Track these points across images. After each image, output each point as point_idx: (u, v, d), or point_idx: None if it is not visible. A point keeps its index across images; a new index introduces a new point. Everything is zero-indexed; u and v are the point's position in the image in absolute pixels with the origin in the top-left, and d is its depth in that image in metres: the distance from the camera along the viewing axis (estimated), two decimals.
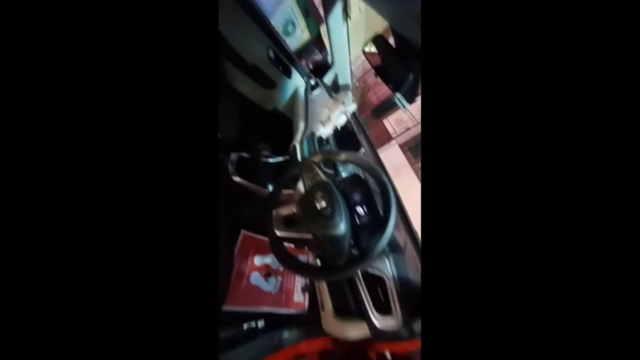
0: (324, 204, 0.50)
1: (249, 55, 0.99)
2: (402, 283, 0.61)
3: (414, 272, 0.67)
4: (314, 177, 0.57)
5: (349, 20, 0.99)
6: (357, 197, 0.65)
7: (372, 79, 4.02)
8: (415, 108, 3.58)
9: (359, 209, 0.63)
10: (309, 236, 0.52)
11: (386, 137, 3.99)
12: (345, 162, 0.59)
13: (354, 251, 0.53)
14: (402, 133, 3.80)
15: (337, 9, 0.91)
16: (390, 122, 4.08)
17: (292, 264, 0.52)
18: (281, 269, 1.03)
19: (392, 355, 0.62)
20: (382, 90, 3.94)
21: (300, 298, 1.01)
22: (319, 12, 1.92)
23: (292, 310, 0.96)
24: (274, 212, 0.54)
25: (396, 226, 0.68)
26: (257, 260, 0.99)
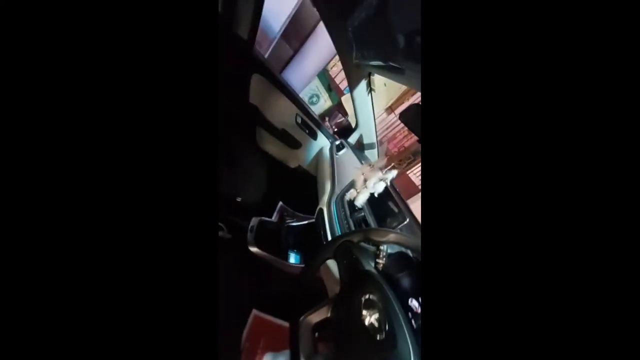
0: (375, 322, 0.32)
1: (278, 121, 1.05)
2: None
3: None
4: (354, 266, 0.41)
5: (372, 92, 1.04)
6: (407, 283, 0.48)
7: (391, 132, 4.17)
8: None
9: (414, 304, 0.44)
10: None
11: (413, 190, 3.81)
12: (391, 244, 0.45)
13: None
14: None
15: (362, 84, 0.96)
16: (414, 173, 3.96)
17: None
18: None
19: None
20: (401, 141, 4.02)
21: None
22: (339, 87, 2.19)
23: None
24: (300, 319, 0.38)
25: None
26: (268, 359, 0.77)
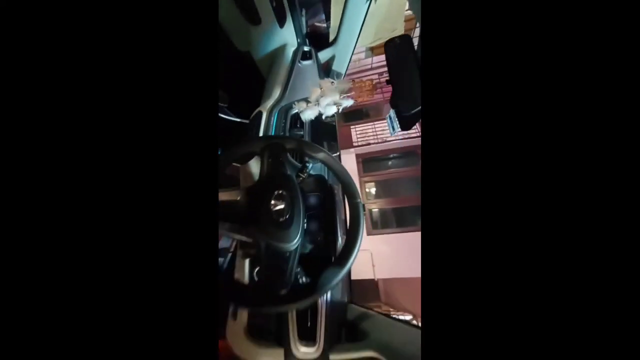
0: (281, 207, 0.37)
1: None
2: (332, 309, 0.54)
3: (343, 295, 0.62)
4: (277, 167, 0.42)
5: (373, 2, 0.85)
6: (315, 204, 0.54)
7: (358, 81, 4.00)
8: (380, 129, 3.80)
9: (314, 224, 0.52)
10: (247, 239, 0.37)
11: (348, 143, 4.09)
12: (319, 162, 0.46)
13: (301, 279, 0.41)
14: (362, 145, 3.97)
15: None
16: (356, 131, 4.20)
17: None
18: None
19: None
20: (362, 94, 3.98)
21: None
22: None
23: None
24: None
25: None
26: None
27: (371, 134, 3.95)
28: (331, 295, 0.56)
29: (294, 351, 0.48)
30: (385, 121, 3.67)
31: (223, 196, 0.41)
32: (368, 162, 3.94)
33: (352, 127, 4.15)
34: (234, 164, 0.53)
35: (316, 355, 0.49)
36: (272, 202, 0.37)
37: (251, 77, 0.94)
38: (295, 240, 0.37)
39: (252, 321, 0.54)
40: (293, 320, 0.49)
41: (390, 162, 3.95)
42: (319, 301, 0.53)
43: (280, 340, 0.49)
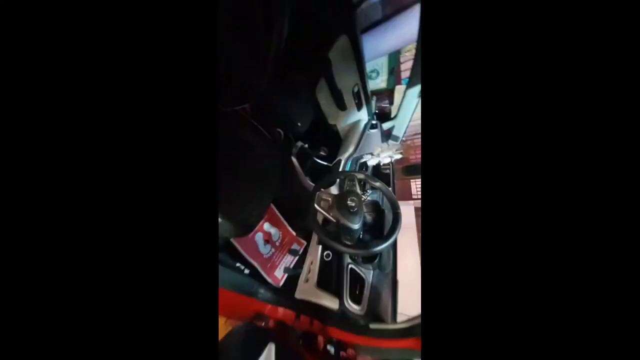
0: (353, 204, 0.71)
1: (340, 81, 1.29)
2: (374, 292, 0.78)
3: (385, 292, 0.84)
4: (352, 186, 0.78)
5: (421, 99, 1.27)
6: (369, 217, 0.85)
7: (418, 141, 4.36)
8: None
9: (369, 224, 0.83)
10: (332, 219, 0.72)
11: (407, 195, 4.14)
12: (376, 189, 0.81)
13: (362, 239, 0.72)
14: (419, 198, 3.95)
15: (417, 87, 1.19)
16: (416, 184, 4.25)
17: (318, 228, 0.72)
18: (278, 244, 1.22)
19: (338, 342, 0.76)
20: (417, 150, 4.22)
21: (279, 275, 1.18)
22: (400, 75, 2.26)
23: (269, 280, 1.12)
24: (317, 194, 0.76)
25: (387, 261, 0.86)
26: (266, 226, 1.19)
27: None
28: (375, 282, 0.80)
29: (346, 304, 0.72)
30: None
31: (324, 196, 0.76)
32: None
33: (412, 180, 4.27)
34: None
35: (359, 314, 0.71)
36: (347, 201, 0.71)
37: (335, 140, 1.45)
38: (357, 223, 0.69)
39: (320, 280, 0.84)
40: (347, 285, 0.75)
41: None
42: (367, 281, 0.77)
43: (338, 293, 0.76)
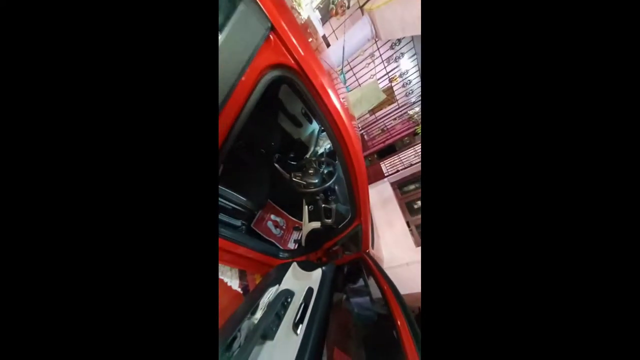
0: (311, 171, 1.28)
1: (291, 108, 1.92)
2: (338, 211, 1.35)
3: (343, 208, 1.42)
4: (309, 164, 1.36)
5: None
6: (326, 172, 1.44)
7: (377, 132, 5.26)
8: (404, 157, 4.53)
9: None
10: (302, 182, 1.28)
11: (381, 176, 4.88)
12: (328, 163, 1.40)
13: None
14: (393, 173, 4.68)
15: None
16: (385, 165, 5.03)
17: (298, 187, 1.28)
18: (284, 227, 1.76)
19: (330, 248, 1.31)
20: (383, 140, 5.02)
21: (291, 246, 1.71)
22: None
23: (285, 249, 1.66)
24: (293, 177, 1.33)
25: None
26: (272, 216, 1.75)
27: (398, 163, 4.67)
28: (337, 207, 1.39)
29: (325, 221, 1.29)
30: (408, 150, 4.45)
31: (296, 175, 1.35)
32: (401, 186, 4.52)
33: (381, 163, 5.02)
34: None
35: (331, 223, 1.28)
36: (309, 170, 1.30)
37: (301, 147, 2.07)
38: (317, 179, 1.27)
39: (310, 218, 1.41)
40: (322, 212, 1.33)
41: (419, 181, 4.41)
42: (332, 208, 1.36)
43: (319, 219, 1.32)
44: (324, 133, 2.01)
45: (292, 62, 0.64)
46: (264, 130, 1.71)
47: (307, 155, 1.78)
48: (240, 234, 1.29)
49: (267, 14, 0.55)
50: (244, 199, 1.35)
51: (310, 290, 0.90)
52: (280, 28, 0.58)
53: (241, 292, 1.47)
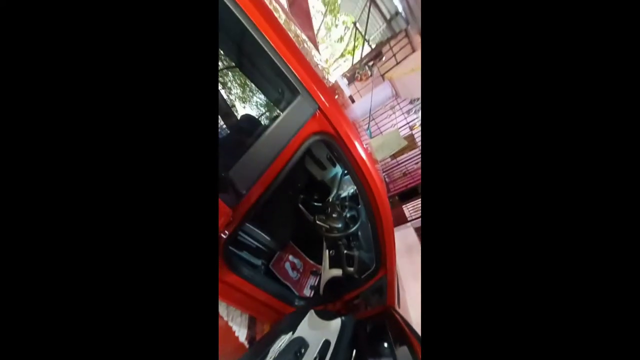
0: (335, 215, 1.28)
1: (318, 154, 2.08)
2: (361, 259, 1.27)
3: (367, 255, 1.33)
4: (334, 208, 1.37)
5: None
6: (349, 216, 1.43)
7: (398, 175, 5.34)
8: None
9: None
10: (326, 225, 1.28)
11: (403, 219, 4.65)
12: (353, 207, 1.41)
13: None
14: (416, 218, 4.44)
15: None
16: (408, 208, 4.82)
17: (321, 230, 1.27)
18: (301, 270, 1.70)
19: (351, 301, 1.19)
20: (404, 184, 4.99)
21: (307, 293, 1.61)
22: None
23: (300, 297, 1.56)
24: (316, 220, 1.35)
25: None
26: (291, 257, 1.71)
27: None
28: (359, 253, 1.31)
29: (347, 269, 1.21)
30: None
31: (320, 218, 1.37)
32: None
33: (404, 206, 4.87)
34: None
35: (353, 273, 1.20)
36: (332, 214, 1.31)
37: (325, 189, 2.14)
38: (341, 223, 1.27)
39: (330, 265, 1.33)
40: (344, 260, 1.26)
41: None
42: (355, 256, 1.29)
43: (341, 266, 1.26)
44: (347, 177, 2.09)
45: (331, 129, 0.93)
46: (292, 173, 1.85)
47: (330, 198, 1.83)
48: (259, 274, 1.27)
49: (316, 100, 0.88)
50: (268, 238, 1.38)
51: (327, 343, 0.82)
52: (324, 106, 0.90)
53: (247, 345, 1.36)
